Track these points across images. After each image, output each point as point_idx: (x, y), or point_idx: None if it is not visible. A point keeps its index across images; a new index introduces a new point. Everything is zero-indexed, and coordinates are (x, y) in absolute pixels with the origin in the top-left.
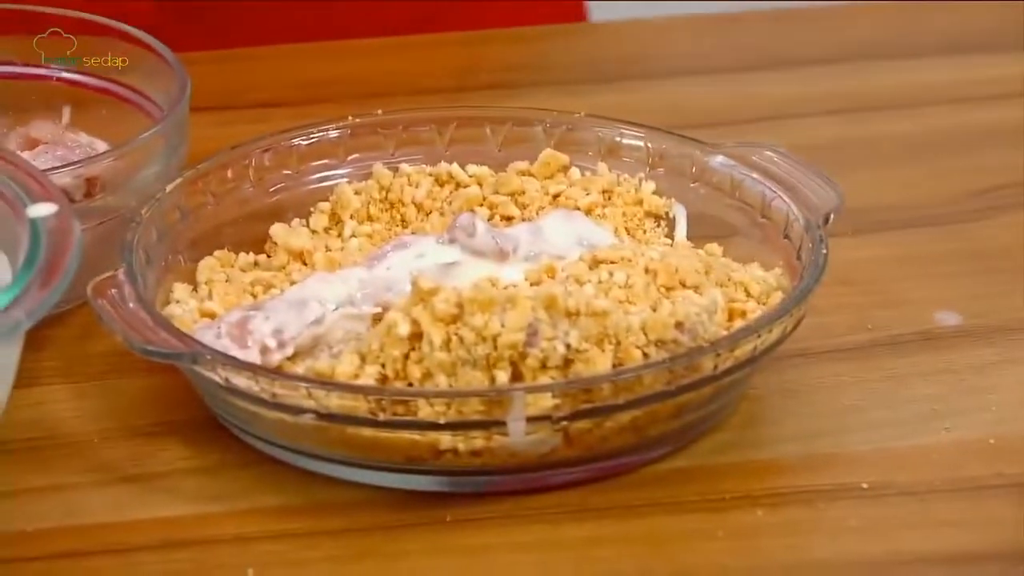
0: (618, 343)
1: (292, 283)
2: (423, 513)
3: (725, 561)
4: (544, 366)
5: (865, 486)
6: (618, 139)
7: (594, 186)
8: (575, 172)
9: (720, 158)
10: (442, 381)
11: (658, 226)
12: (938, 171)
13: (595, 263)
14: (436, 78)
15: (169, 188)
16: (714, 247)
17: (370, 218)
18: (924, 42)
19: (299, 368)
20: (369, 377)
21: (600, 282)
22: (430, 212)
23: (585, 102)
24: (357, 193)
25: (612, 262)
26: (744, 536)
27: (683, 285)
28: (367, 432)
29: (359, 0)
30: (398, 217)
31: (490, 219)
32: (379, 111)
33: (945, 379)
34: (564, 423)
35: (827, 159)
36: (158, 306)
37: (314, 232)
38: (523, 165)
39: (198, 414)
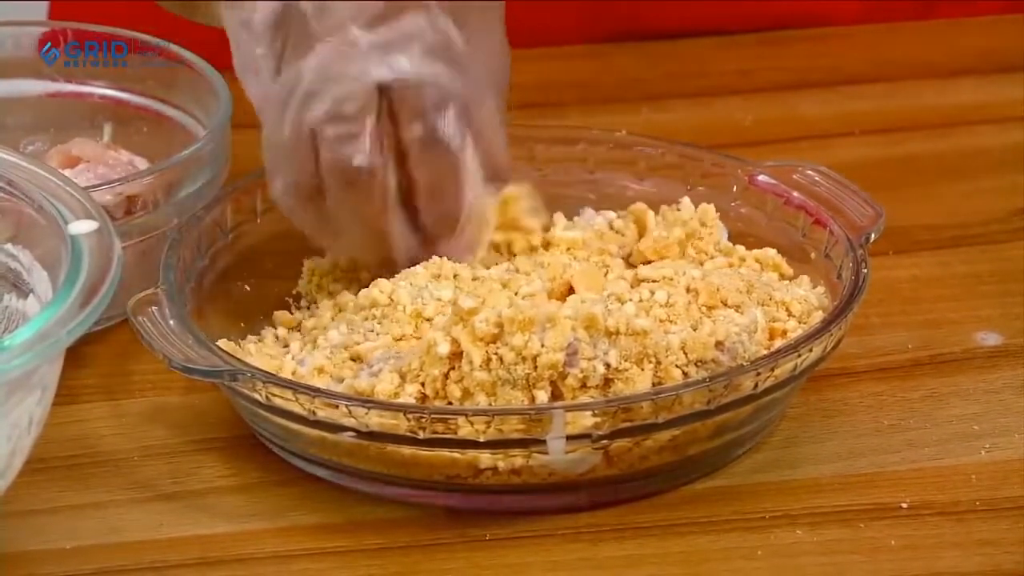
0: (658, 362)
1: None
2: (462, 532)
3: None
4: (584, 385)
5: (905, 506)
6: (659, 157)
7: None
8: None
9: (761, 177)
10: (482, 400)
11: (710, 234)
12: (978, 190)
13: (637, 282)
14: None
15: (210, 205)
16: (769, 252)
17: None
18: (963, 61)
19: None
20: (409, 396)
21: (641, 300)
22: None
23: (627, 120)
24: None
25: (654, 280)
26: (783, 555)
27: (724, 304)
28: (406, 450)
29: None
30: None
31: None
32: None
33: (985, 399)
34: (604, 442)
35: (868, 178)
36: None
37: None
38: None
39: (237, 432)
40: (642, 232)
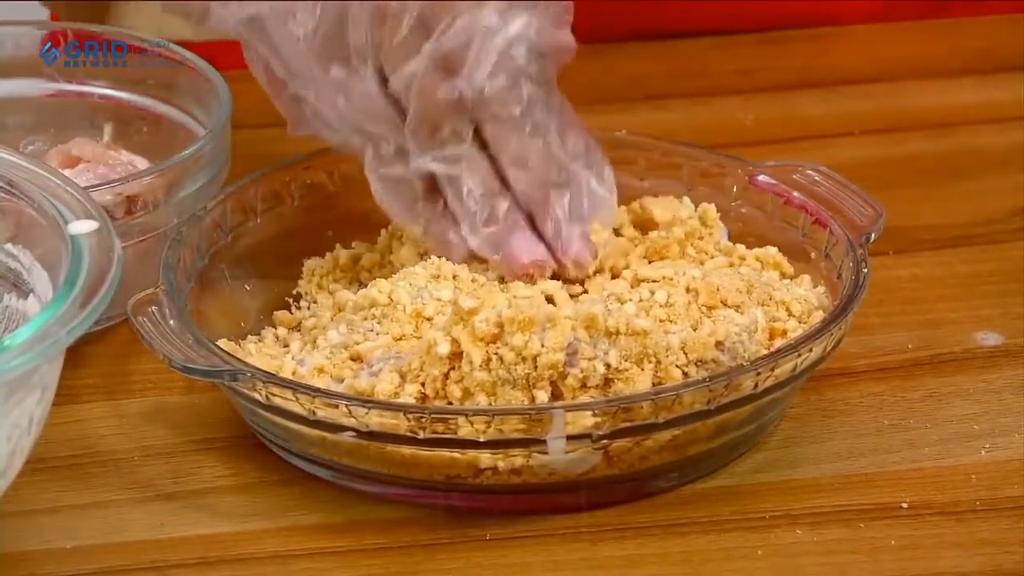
0: (658, 362)
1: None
2: (462, 531)
3: None
4: (584, 385)
5: (905, 506)
6: (660, 157)
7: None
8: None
9: (762, 176)
10: (482, 400)
11: (711, 234)
12: (979, 190)
13: (636, 282)
14: None
15: (210, 205)
16: (771, 250)
17: None
18: (963, 61)
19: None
20: (409, 396)
21: (641, 300)
22: None
23: (627, 120)
24: None
25: (654, 280)
26: (784, 555)
27: (724, 304)
28: (407, 450)
29: None
30: None
31: None
32: None
33: (985, 399)
34: (604, 442)
35: (868, 178)
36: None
37: None
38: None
39: (238, 432)
40: (647, 228)
